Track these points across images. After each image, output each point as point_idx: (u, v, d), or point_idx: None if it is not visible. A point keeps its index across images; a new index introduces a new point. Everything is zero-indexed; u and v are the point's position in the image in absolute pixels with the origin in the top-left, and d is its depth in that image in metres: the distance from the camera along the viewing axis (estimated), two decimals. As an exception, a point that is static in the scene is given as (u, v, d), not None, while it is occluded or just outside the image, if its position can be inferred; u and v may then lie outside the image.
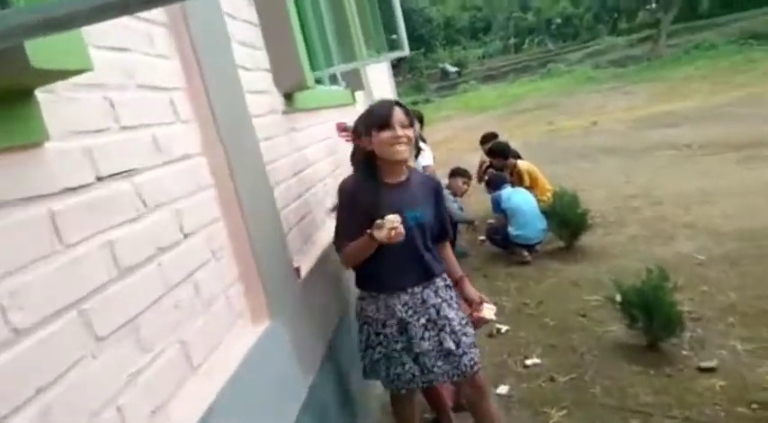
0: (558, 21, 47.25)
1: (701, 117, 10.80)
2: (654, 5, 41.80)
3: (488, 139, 6.43)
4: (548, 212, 5.02)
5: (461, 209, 5.38)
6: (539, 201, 5.24)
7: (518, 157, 6.17)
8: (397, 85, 33.95)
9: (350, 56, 3.02)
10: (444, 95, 31.39)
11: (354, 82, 4.43)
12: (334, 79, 4.22)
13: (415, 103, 30.05)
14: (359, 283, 2.24)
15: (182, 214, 1.45)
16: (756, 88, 12.72)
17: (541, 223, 4.99)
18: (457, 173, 5.44)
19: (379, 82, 7.14)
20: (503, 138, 6.77)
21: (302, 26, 2.74)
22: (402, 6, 2.79)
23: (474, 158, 6.95)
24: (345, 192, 2.16)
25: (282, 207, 2.25)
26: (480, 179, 6.19)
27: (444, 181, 4.75)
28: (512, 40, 51.20)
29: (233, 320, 1.64)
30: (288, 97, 2.62)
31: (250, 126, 1.96)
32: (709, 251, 4.33)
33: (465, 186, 5.41)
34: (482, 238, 5.58)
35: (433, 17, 43.61)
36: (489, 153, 6.08)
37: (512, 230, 4.97)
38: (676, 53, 23.38)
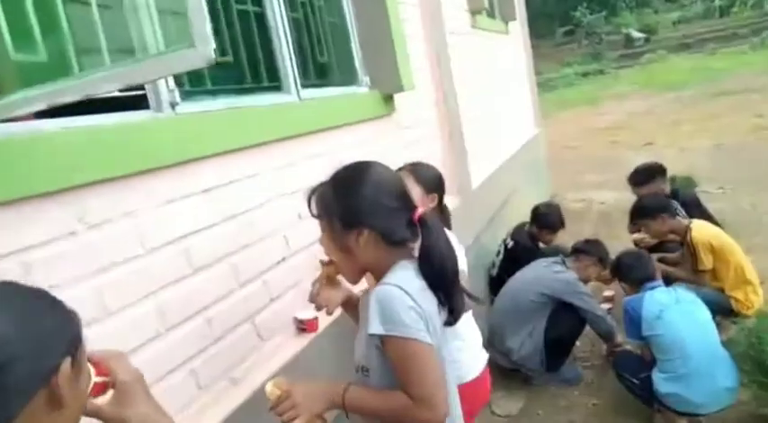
0: (785, -22, 38.18)
1: None
2: None
3: (647, 176, 3.67)
4: (739, 355, 2.53)
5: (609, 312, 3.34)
6: (717, 307, 2.81)
7: (700, 208, 3.59)
8: (570, 52, 29.86)
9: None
10: (623, 66, 26.46)
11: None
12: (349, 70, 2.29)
13: (585, 74, 25.97)
14: None
15: None
16: None
17: (726, 375, 2.49)
18: (582, 250, 3.18)
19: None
20: (681, 135, 4.15)
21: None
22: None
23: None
24: None
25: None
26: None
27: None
28: (716, 2, 42.44)
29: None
30: None
31: None
32: None
33: (594, 270, 3.16)
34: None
35: (623, -26, 37.72)
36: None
37: (660, 381, 2.56)
38: None
